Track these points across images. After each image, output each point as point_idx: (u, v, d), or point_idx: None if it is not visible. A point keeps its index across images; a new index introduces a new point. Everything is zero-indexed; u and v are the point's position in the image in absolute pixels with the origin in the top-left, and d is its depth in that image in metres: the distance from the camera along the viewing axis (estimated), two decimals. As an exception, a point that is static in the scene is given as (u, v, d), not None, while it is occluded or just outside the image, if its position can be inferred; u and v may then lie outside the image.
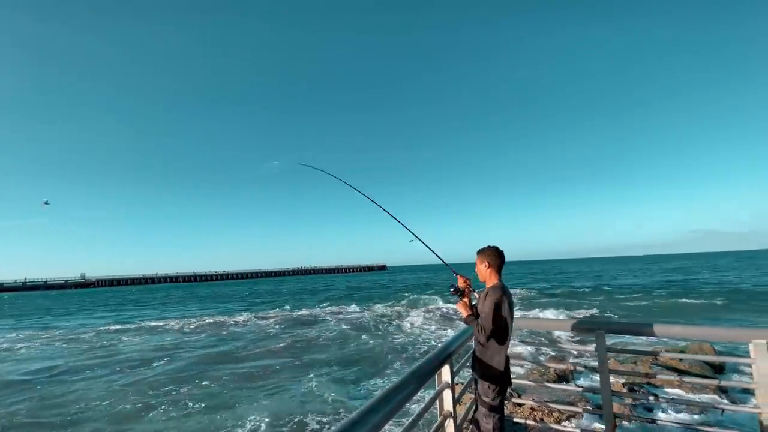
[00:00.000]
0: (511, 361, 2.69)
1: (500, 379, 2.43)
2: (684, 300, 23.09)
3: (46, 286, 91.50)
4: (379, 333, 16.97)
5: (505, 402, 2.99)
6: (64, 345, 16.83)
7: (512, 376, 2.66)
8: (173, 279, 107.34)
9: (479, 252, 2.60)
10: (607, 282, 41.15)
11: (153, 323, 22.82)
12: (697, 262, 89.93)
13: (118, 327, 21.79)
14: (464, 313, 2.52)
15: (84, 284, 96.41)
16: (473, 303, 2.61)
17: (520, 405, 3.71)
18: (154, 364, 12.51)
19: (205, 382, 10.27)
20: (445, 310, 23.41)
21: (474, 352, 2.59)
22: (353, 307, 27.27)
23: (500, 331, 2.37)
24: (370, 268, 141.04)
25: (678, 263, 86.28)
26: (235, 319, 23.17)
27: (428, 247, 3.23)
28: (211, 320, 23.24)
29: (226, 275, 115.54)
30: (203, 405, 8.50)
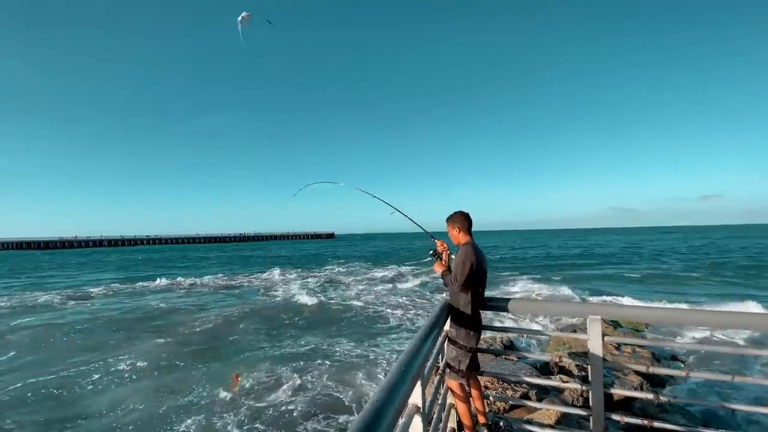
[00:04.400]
0: (484, 348, 3.04)
1: (471, 323, 2.67)
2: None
3: None
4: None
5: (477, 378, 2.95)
6: None
7: (485, 369, 2.99)
8: (98, 243, 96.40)
9: (448, 219, 2.84)
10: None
11: None
12: (612, 237, 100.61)
13: None
14: (439, 270, 2.83)
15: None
16: (450, 264, 2.83)
17: (487, 397, 3.07)
18: None
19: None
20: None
21: (449, 305, 2.75)
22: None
23: (470, 280, 2.61)
24: (317, 236, 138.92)
25: (598, 237, 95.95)
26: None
27: (410, 218, 3.53)
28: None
29: (159, 240, 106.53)
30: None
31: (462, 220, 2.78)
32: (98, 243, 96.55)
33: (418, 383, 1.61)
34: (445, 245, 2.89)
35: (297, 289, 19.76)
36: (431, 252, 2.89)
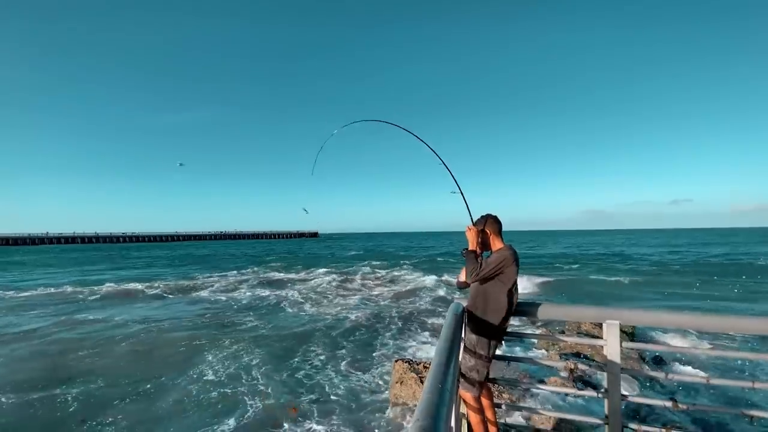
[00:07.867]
0: (498, 356, 2.68)
1: (494, 332, 2.46)
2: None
3: None
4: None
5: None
6: None
7: (495, 376, 2.77)
8: (63, 239, 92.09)
9: (477, 223, 2.65)
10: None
11: None
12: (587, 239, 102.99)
13: None
14: (471, 238, 2.56)
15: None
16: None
17: (498, 406, 2.93)
18: None
19: None
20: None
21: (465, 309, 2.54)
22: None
23: (507, 289, 2.42)
24: (301, 235, 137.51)
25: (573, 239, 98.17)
26: None
27: (465, 201, 3.02)
28: None
29: (135, 237, 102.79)
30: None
31: (492, 223, 2.59)
32: (71, 240, 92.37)
33: (452, 409, 1.44)
34: (473, 229, 2.58)
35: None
36: (464, 251, 2.59)
